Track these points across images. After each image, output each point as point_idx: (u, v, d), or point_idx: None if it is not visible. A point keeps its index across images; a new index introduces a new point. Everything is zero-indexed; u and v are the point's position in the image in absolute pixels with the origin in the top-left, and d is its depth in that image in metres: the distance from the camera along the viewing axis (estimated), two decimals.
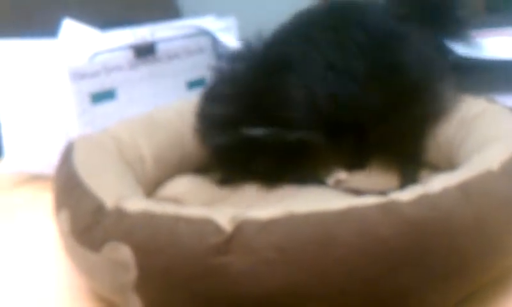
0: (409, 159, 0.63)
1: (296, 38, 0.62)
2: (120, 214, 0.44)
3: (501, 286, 0.46)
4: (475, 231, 0.41)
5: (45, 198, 0.55)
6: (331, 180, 0.62)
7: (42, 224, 0.61)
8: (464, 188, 0.42)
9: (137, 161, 0.61)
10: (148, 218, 0.43)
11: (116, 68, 0.70)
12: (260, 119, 0.57)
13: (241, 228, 0.40)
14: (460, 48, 0.69)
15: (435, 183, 0.42)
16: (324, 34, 0.61)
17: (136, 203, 0.45)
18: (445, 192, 0.41)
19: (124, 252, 0.42)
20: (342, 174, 0.63)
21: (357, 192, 0.60)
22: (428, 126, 0.62)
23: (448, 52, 0.67)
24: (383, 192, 0.58)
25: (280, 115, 0.58)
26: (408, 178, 0.61)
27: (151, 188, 0.63)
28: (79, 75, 0.67)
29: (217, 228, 0.40)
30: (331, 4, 0.66)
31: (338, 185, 0.62)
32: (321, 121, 0.59)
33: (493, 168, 0.45)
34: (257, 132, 0.57)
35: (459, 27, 0.67)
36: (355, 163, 0.65)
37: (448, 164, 0.61)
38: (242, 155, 0.59)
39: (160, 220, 0.42)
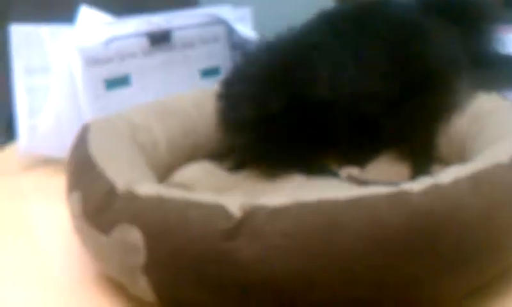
0: (421, 152, 0.63)
1: (319, 30, 0.62)
2: (131, 197, 0.45)
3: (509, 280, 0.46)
4: (484, 221, 0.41)
5: (58, 182, 0.56)
6: (343, 173, 0.62)
7: (54, 208, 0.62)
8: (474, 180, 0.42)
9: (150, 146, 0.62)
10: (158, 202, 0.43)
11: (130, 54, 0.71)
12: (286, 98, 0.58)
13: (251, 214, 0.40)
14: (485, 44, 0.68)
15: (445, 175, 0.42)
16: (346, 25, 0.62)
17: (148, 188, 0.45)
18: (455, 183, 0.41)
19: (134, 235, 0.43)
20: (354, 170, 0.63)
21: (368, 183, 0.60)
22: (442, 118, 0.61)
23: (471, 48, 0.67)
24: (393, 184, 0.59)
25: (306, 94, 0.58)
26: (420, 171, 0.61)
27: (163, 174, 0.63)
28: (93, 61, 0.68)
29: (226, 214, 0.40)
30: (354, 2, 0.67)
31: (350, 178, 0.62)
32: (342, 111, 0.59)
33: (502, 161, 0.45)
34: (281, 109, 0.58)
35: (482, 23, 0.67)
36: (366, 157, 0.65)
37: (461, 160, 0.60)
38: (264, 133, 0.59)
39: (170, 204, 0.43)
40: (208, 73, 0.78)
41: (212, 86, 0.69)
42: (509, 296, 0.45)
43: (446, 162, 0.63)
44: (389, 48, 0.60)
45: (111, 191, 0.46)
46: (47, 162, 0.75)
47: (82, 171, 0.51)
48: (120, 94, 0.71)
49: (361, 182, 0.60)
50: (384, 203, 0.40)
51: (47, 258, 0.57)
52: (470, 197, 0.41)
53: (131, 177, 0.48)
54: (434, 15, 0.63)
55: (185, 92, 0.70)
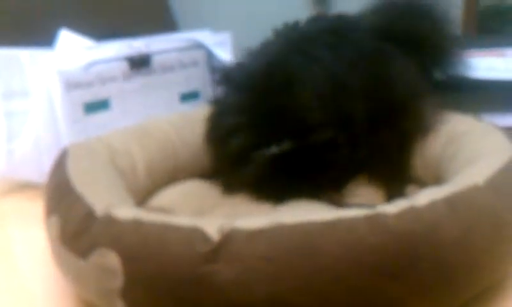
0: (395, 175, 0.64)
1: (293, 52, 0.62)
2: (110, 221, 0.45)
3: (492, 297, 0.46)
4: (461, 243, 0.42)
5: (36, 206, 0.56)
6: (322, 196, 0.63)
7: (32, 232, 0.61)
8: (450, 202, 0.43)
9: (129, 170, 0.62)
10: (136, 225, 0.43)
11: (110, 78, 0.71)
12: (276, 127, 0.58)
13: (229, 237, 0.40)
14: (450, 68, 0.70)
15: (421, 197, 0.43)
16: (321, 50, 0.62)
17: (126, 211, 0.45)
18: (431, 206, 0.42)
19: (112, 259, 0.42)
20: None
21: (347, 206, 0.60)
22: (414, 141, 0.62)
23: (435, 72, 0.68)
24: (370, 206, 0.60)
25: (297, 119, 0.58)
26: (395, 193, 0.62)
27: (142, 198, 0.63)
28: (72, 85, 0.68)
29: (205, 237, 0.40)
30: (322, 19, 0.67)
31: (329, 199, 0.62)
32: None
33: (478, 183, 0.45)
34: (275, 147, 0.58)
35: (446, 51, 0.69)
36: (342, 182, 0.65)
37: (437, 181, 0.61)
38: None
39: (148, 228, 0.42)
40: (187, 97, 0.78)
41: (192, 110, 0.69)
42: None
43: (422, 183, 0.63)
44: (359, 73, 0.61)
45: (89, 215, 0.46)
46: (25, 186, 0.75)
47: (60, 195, 0.51)
48: (100, 119, 0.71)
49: (340, 205, 0.61)
50: (361, 225, 0.40)
51: (25, 283, 0.56)
52: (446, 219, 0.42)
53: (110, 201, 0.48)
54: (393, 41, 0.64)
55: (164, 115, 0.70)
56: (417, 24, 0.68)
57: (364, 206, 0.58)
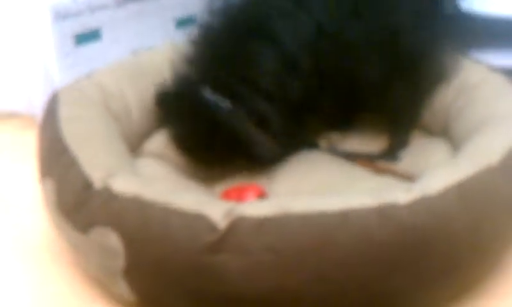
0: (401, 123, 0.62)
1: None
2: (109, 196, 0.43)
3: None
4: (472, 233, 0.41)
5: (24, 137, 0.53)
6: (323, 143, 0.61)
7: (21, 164, 0.60)
8: (462, 188, 0.41)
9: (123, 113, 0.59)
10: (138, 205, 0.41)
11: (101, 6, 0.66)
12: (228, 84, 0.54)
13: (235, 226, 0.39)
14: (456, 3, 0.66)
15: (433, 183, 0.41)
16: None
17: (126, 182, 0.44)
18: (443, 194, 0.41)
19: (113, 239, 0.41)
20: (334, 136, 0.62)
21: (349, 155, 0.59)
22: (425, 94, 0.60)
23: (444, 8, 0.64)
24: (372, 156, 0.59)
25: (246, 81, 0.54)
26: (399, 141, 0.61)
27: (138, 140, 0.61)
28: (61, 15, 0.63)
29: (210, 225, 0.39)
30: None
31: (330, 147, 0.61)
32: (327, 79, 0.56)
33: (492, 162, 0.44)
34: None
35: None
36: (344, 123, 0.63)
37: (443, 131, 0.60)
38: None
39: (151, 209, 0.41)
40: (183, 22, 0.74)
41: (186, 38, 0.65)
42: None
43: (428, 131, 0.62)
44: (362, 19, 0.57)
45: (86, 186, 0.44)
46: (12, 115, 0.72)
47: (54, 155, 0.49)
48: (91, 49, 0.67)
49: (342, 154, 0.59)
50: (372, 217, 0.39)
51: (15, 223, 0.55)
52: (458, 209, 0.40)
53: (107, 164, 0.46)
54: None
55: (158, 48, 0.66)
56: None
57: (367, 156, 0.58)
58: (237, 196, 0.51)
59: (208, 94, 0.54)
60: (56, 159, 0.48)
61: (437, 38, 0.60)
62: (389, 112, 0.60)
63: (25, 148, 0.51)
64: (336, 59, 0.56)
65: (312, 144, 0.60)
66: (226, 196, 0.52)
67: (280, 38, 0.55)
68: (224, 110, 0.53)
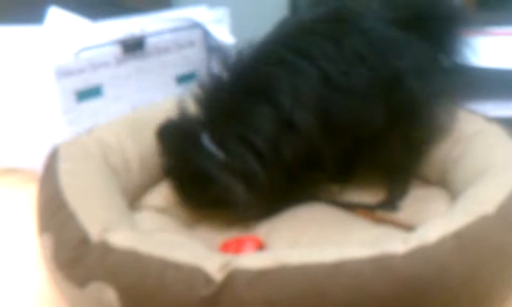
0: (399, 174, 0.62)
1: (284, 50, 0.57)
2: (105, 250, 0.43)
3: None
4: (469, 283, 0.41)
5: (25, 190, 0.54)
6: (323, 194, 0.61)
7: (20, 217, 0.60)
8: (459, 237, 0.41)
9: (122, 167, 0.60)
10: (135, 259, 0.41)
11: (102, 64, 0.68)
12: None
13: (231, 278, 0.39)
14: (455, 56, 0.66)
15: (430, 232, 0.41)
16: (319, 43, 0.57)
17: (123, 237, 0.44)
18: (440, 243, 0.40)
19: (109, 294, 0.41)
20: (333, 187, 0.62)
21: (348, 206, 0.59)
22: (422, 145, 0.60)
23: (444, 61, 0.65)
24: (371, 207, 0.58)
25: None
26: (397, 191, 0.61)
27: (138, 194, 0.61)
28: (64, 73, 0.65)
29: (206, 278, 0.39)
30: (326, 10, 0.61)
31: (330, 199, 0.61)
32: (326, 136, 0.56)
33: (488, 212, 0.44)
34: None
35: (452, 32, 0.64)
36: (344, 176, 0.64)
37: (441, 181, 0.60)
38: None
39: (147, 263, 0.41)
40: (184, 78, 0.75)
41: (188, 93, 0.66)
42: None
43: (427, 180, 0.62)
44: (369, 69, 0.57)
45: (83, 241, 0.44)
46: (13, 171, 0.72)
47: (53, 209, 0.49)
48: (92, 105, 0.68)
49: (341, 204, 0.59)
50: (367, 269, 0.39)
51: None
52: (454, 258, 0.40)
53: (105, 219, 0.47)
54: (404, 27, 0.59)
55: (158, 102, 0.67)
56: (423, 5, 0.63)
57: (366, 206, 0.58)
58: (236, 247, 0.51)
59: (206, 140, 0.55)
60: (54, 214, 0.48)
61: (436, 90, 0.60)
62: (387, 164, 0.61)
63: (26, 202, 0.51)
64: (340, 107, 0.56)
65: (311, 196, 0.60)
66: (225, 247, 0.52)
67: (278, 98, 0.55)
68: (214, 160, 0.54)
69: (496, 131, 0.58)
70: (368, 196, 0.61)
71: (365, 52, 0.57)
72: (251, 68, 0.58)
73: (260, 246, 0.52)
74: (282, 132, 0.55)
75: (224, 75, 0.58)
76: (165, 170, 0.59)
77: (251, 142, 0.54)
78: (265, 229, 0.55)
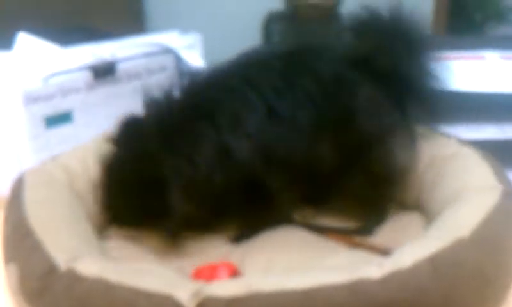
0: (375, 204, 0.61)
1: (236, 79, 0.58)
2: (73, 278, 0.42)
3: None
4: (445, 306, 0.40)
5: None
6: (298, 217, 0.60)
7: None
8: (434, 262, 0.41)
9: (88, 192, 0.58)
10: (104, 287, 0.40)
11: (73, 89, 0.67)
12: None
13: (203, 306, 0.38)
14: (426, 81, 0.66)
15: (405, 257, 0.41)
16: (268, 78, 0.58)
17: (91, 265, 0.42)
18: (416, 268, 0.40)
19: None
20: (308, 210, 0.61)
21: (323, 230, 0.58)
22: (386, 183, 0.59)
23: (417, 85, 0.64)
24: (347, 231, 0.58)
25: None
26: (374, 218, 0.60)
27: (105, 220, 0.59)
28: (32, 98, 0.63)
29: (177, 306, 0.38)
30: (285, 47, 0.62)
31: (304, 222, 0.60)
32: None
33: (463, 236, 0.44)
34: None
35: (421, 59, 0.64)
36: (316, 199, 0.63)
37: (417, 205, 0.60)
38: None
39: (117, 292, 0.40)
40: None
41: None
42: None
43: (402, 205, 0.62)
44: (317, 108, 0.56)
45: (50, 269, 0.43)
46: None
47: (18, 238, 0.48)
48: (62, 132, 0.67)
49: (315, 228, 0.59)
50: (342, 294, 0.38)
51: None
52: (430, 282, 0.40)
53: (72, 247, 0.45)
54: (366, 64, 0.59)
55: None
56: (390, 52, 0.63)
57: (340, 230, 0.57)
58: (209, 274, 0.50)
59: (154, 149, 0.55)
60: (20, 243, 0.47)
61: (401, 119, 0.60)
62: (358, 196, 0.60)
63: None
64: (285, 142, 0.56)
65: (285, 219, 0.60)
66: (198, 274, 0.51)
67: (220, 123, 0.55)
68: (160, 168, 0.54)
69: (470, 154, 0.58)
70: (345, 220, 0.60)
71: (314, 92, 0.57)
72: (201, 91, 0.59)
73: (234, 272, 0.51)
74: (220, 156, 0.55)
75: (177, 94, 0.58)
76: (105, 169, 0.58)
77: (193, 163, 0.55)
78: (239, 254, 0.55)
